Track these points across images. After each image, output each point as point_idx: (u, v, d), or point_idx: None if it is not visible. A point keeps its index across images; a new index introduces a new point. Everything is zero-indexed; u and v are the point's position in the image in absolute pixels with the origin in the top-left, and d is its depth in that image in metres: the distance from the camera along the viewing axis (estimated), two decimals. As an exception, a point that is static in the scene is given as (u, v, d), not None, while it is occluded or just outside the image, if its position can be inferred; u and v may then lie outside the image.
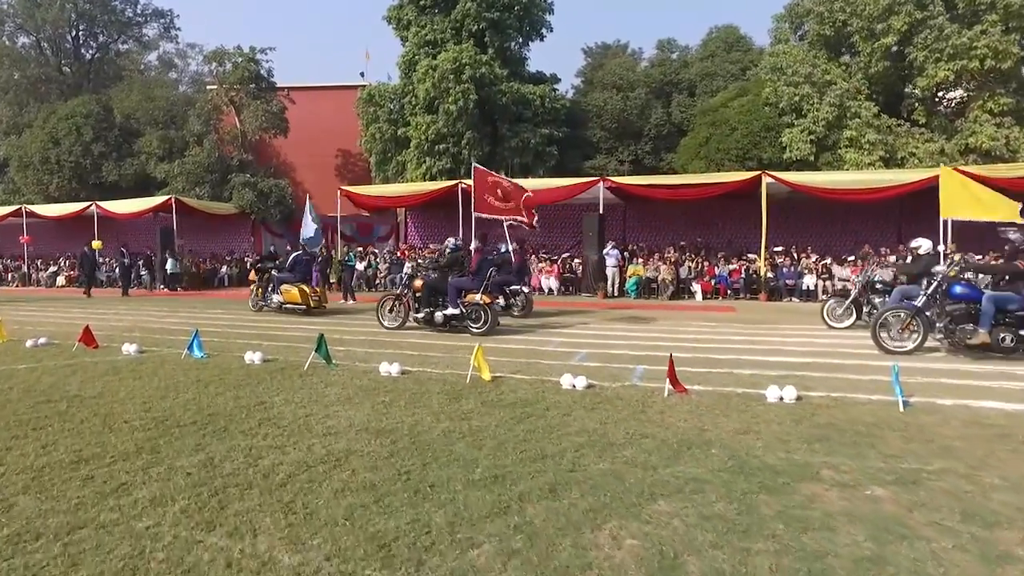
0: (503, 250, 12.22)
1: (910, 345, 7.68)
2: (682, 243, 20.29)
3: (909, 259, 9.95)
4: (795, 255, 18.55)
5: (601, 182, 18.69)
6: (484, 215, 12.28)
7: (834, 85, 19.19)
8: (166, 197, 23.95)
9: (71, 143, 28.80)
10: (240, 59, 28.99)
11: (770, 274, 17.74)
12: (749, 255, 18.88)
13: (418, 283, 9.95)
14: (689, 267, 18.50)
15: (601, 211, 18.65)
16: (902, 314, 7.84)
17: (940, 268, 8.10)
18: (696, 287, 17.95)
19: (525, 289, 12.28)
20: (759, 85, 21.39)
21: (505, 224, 12.30)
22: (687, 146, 24.06)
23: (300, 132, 30.84)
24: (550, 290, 19.07)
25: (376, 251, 23.62)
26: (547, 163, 24.97)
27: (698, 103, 25.91)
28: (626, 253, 19.20)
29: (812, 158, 19.81)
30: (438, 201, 21.15)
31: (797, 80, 19.54)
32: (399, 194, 21.65)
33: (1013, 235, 7.70)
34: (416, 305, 9.89)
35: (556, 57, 68.86)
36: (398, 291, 10.77)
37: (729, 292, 18.06)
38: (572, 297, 18.41)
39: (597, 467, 3.65)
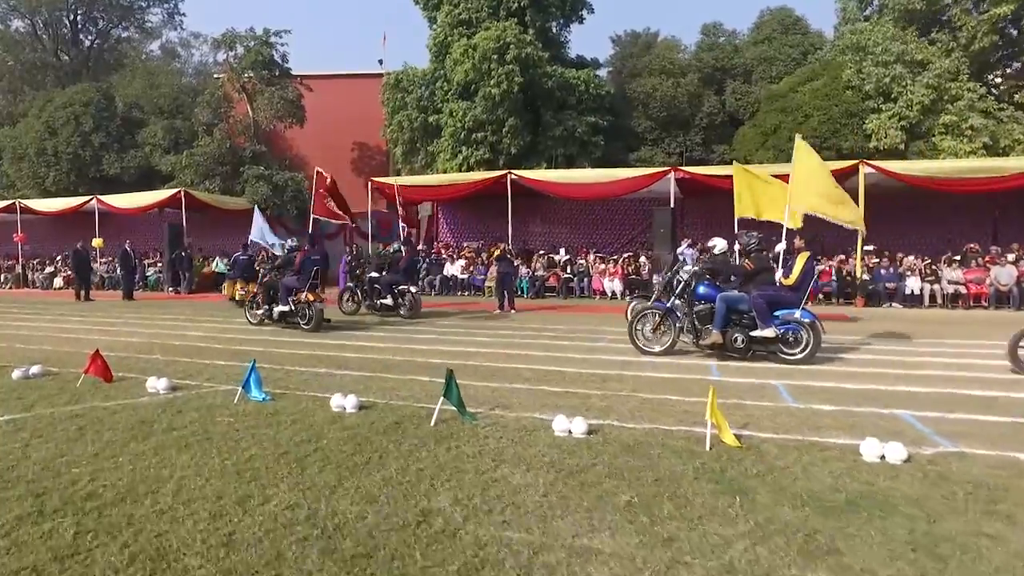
0: (393, 249, 12.92)
1: (658, 348, 7.56)
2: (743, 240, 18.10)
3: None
4: (889, 255, 16.40)
5: (672, 172, 16.55)
6: (320, 217, 13.52)
7: (931, 64, 17.03)
8: (175, 191, 21.71)
9: (69, 133, 26.55)
10: (253, 43, 26.76)
11: (865, 276, 15.59)
12: (838, 255, 16.72)
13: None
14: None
15: (672, 204, 16.49)
16: (654, 314, 7.69)
17: (688, 268, 7.94)
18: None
19: (413, 289, 12.01)
20: (836, 67, 19.22)
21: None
22: (747, 136, 21.90)
23: (314, 124, 28.65)
24: (613, 293, 16.89)
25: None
26: (592, 154, 22.77)
27: (755, 90, 23.77)
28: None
29: (902, 147, 17.68)
30: (471, 196, 19.00)
31: (887, 59, 17.40)
32: (443, 183, 19.19)
33: (744, 237, 7.71)
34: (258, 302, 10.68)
35: (582, 47, 66.56)
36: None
37: (820, 296, 15.91)
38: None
39: None
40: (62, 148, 26.66)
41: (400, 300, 11.72)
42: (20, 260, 24.70)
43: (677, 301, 7.58)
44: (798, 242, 8.76)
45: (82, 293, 17.19)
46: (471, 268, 18.13)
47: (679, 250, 16.43)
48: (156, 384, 5.44)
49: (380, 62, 33.60)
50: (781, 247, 8.43)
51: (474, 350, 8.00)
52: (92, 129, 26.71)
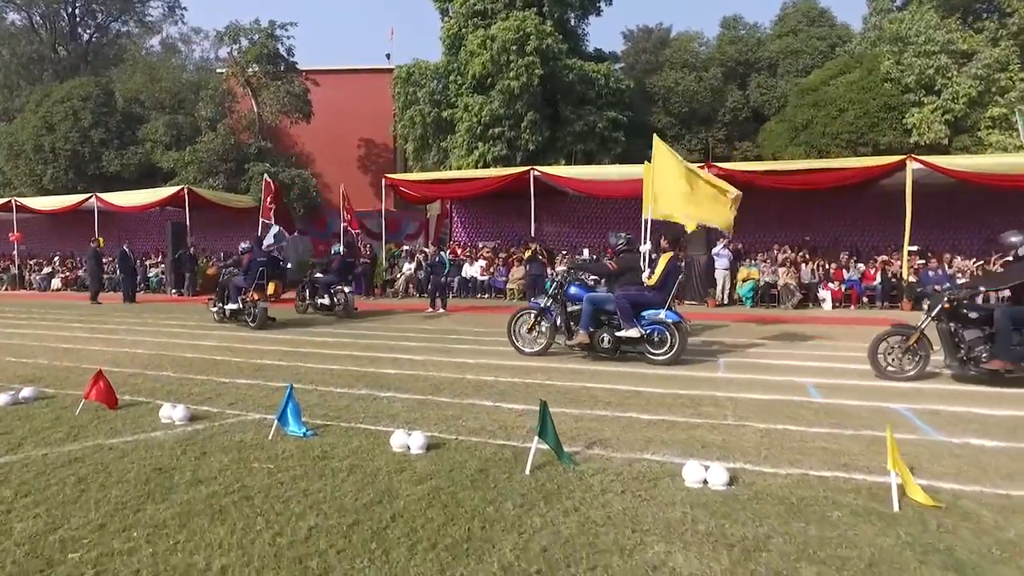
0: (333, 251, 13.51)
1: (536, 348, 7.46)
2: (797, 239, 17.19)
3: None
4: (935, 256, 15.51)
5: (707, 169, 15.62)
6: (268, 221, 13.98)
7: (978, 54, 16.14)
8: (177, 188, 20.75)
9: (67, 129, 25.60)
10: (257, 35, 25.80)
11: (912, 278, 14.69)
12: (879, 256, 15.82)
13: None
14: (812, 270, 15.43)
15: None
16: (529, 314, 7.65)
17: (561, 268, 7.94)
18: (824, 294, 14.88)
19: (347, 289, 12.30)
20: (873, 59, 18.32)
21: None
22: (775, 132, 21.04)
23: (319, 120, 27.72)
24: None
25: (426, 250, 20.44)
26: (612, 151, 21.91)
27: (781, 84, 22.88)
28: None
29: (946, 141, 16.78)
30: (488, 194, 18.04)
31: (931, 49, 16.49)
32: (462, 179, 18.11)
33: (612, 238, 7.64)
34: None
35: (593, 43, 65.14)
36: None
37: (863, 300, 15.03)
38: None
39: None
40: (60, 144, 25.71)
41: (335, 300, 12.11)
42: (16, 261, 23.72)
43: (551, 301, 7.52)
44: (664, 242, 8.72)
45: (98, 294, 16.40)
46: (492, 269, 17.21)
47: (714, 251, 15.57)
48: (171, 413, 4.51)
49: (388, 56, 32.77)
50: (646, 248, 8.26)
51: (515, 363, 7.09)
52: (91, 125, 25.77)
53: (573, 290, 7.50)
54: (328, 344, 8.63)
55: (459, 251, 18.55)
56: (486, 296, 17.00)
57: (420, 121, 22.62)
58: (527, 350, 7.49)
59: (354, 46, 70.82)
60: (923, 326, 6.27)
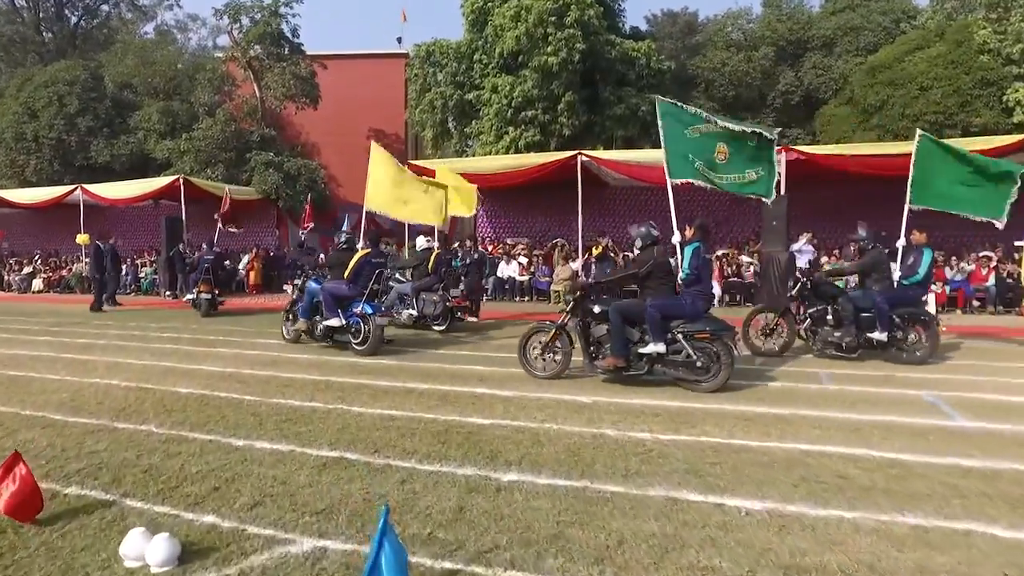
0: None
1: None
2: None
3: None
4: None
5: (784, 152, 13.49)
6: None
7: (1095, 20, 14.01)
8: (172, 178, 18.53)
9: (51, 116, 23.36)
10: (260, 14, 23.60)
11: (1034, 278, 12.55)
12: (978, 253, 13.69)
13: None
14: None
15: (783, 191, 13.38)
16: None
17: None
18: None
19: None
20: (962, 28, 16.17)
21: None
22: (839, 116, 18.89)
23: (326, 109, 25.54)
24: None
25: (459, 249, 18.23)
26: (653, 136, 19.73)
27: (839, 63, 20.74)
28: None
29: (1053, 121, 14.65)
30: (532, 183, 15.79)
31: (1040, 14, 14.35)
32: (502, 169, 15.54)
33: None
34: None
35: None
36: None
37: (974, 303, 12.91)
38: (744, 310, 13.07)
39: None
40: (44, 133, 23.46)
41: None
42: (-6, 260, 21.52)
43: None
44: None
45: (103, 298, 14.08)
46: (532, 268, 15.03)
47: (795, 247, 13.44)
48: (142, 549, 2.34)
49: (399, 40, 30.61)
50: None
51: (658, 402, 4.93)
52: (78, 111, 23.52)
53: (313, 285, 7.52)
54: (393, 371, 6.45)
55: (491, 248, 16.36)
56: (526, 299, 14.82)
57: (441, 105, 20.43)
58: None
59: (362, 31, 67.55)
60: None
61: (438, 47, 20.88)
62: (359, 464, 3.51)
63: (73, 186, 19.49)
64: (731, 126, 7.82)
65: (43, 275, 20.46)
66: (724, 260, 14.28)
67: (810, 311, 7.25)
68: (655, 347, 5.49)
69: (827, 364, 6.86)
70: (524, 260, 15.10)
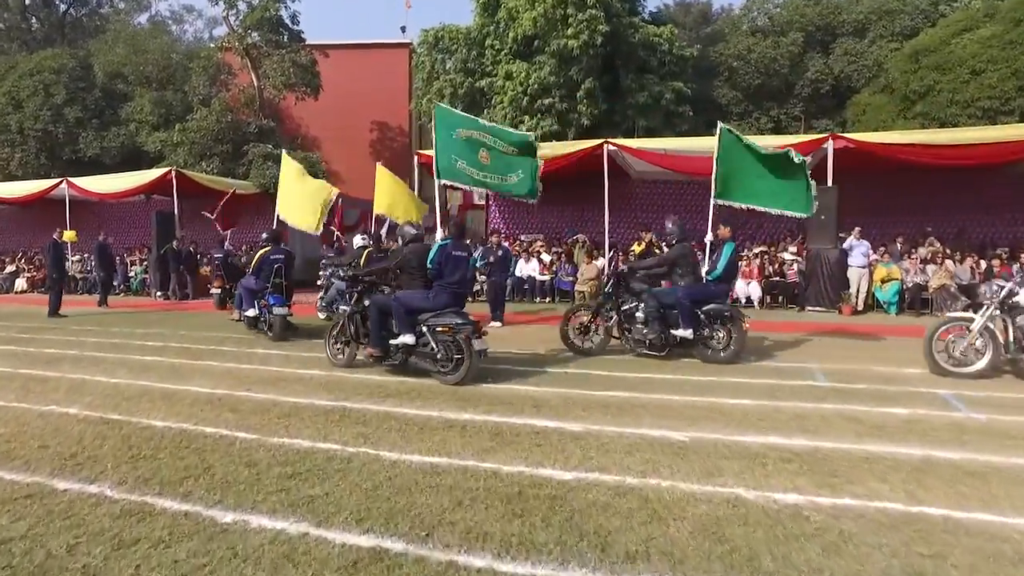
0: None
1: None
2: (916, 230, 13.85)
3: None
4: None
5: (831, 140, 12.31)
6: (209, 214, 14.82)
7: None
8: (164, 171, 17.29)
9: (37, 106, 22.19)
10: (258, -1, 22.37)
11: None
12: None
13: None
14: (972, 268, 12.08)
15: (830, 182, 12.18)
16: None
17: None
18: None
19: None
20: (1020, 6, 14.98)
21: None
22: (877, 104, 17.72)
23: (326, 100, 24.36)
24: (748, 299, 12.62)
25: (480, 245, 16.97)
26: (678, 127, 18.58)
27: (873, 49, 19.55)
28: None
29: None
30: (556, 174, 14.52)
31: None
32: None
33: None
34: None
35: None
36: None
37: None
38: (789, 313, 11.89)
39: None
40: (29, 124, 22.29)
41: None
42: (-24, 258, 20.27)
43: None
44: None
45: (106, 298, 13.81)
46: (554, 267, 13.82)
47: (846, 243, 12.25)
48: None
49: (403, 30, 29.45)
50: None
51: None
52: (65, 102, 22.35)
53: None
54: (422, 392, 5.24)
55: (509, 245, 15.13)
56: (547, 300, 13.61)
57: (450, 94, 19.21)
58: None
59: (364, 21, 66.10)
60: None
61: (447, 32, 19.67)
62: (407, 562, 2.31)
63: (58, 180, 18.24)
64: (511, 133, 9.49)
65: (27, 274, 19.22)
66: (764, 258, 13.08)
67: (622, 308, 7.07)
68: (404, 339, 5.66)
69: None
70: (547, 258, 13.89)
